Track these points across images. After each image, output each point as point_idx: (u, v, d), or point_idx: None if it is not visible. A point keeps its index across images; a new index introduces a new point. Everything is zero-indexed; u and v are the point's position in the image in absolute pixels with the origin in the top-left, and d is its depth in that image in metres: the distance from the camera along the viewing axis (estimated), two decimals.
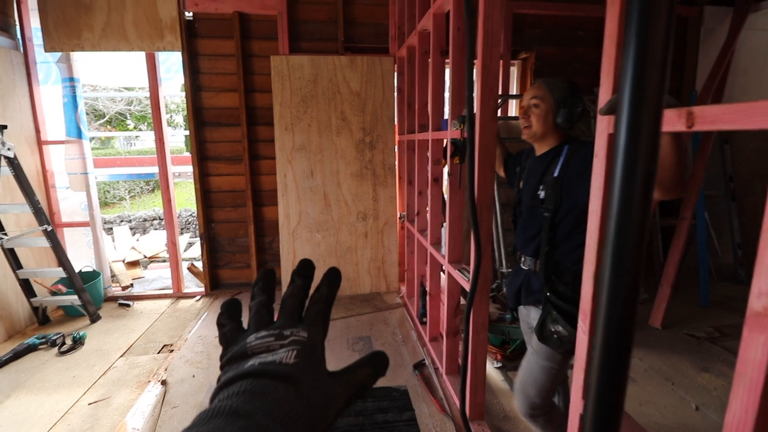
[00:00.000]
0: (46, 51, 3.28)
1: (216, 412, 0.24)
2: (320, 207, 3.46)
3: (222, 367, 0.30)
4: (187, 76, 3.40)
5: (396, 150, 3.51)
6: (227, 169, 3.59)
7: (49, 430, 2.04)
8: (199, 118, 3.50)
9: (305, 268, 0.36)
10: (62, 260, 3.03)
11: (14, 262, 2.99)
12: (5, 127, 2.69)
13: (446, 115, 2.39)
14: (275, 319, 0.34)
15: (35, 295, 3.15)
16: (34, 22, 3.32)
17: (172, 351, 2.76)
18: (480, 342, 1.85)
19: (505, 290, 1.72)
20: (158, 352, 2.76)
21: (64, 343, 2.82)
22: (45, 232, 2.94)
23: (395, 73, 3.44)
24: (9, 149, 2.72)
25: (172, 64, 5.83)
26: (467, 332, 1.04)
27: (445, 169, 2.33)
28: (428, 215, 2.46)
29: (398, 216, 3.57)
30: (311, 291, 0.36)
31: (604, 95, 0.90)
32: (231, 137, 3.54)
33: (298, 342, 0.31)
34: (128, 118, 13.05)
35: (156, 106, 3.50)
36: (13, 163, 2.78)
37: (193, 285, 3.87)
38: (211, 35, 3.40)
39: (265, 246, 3.73)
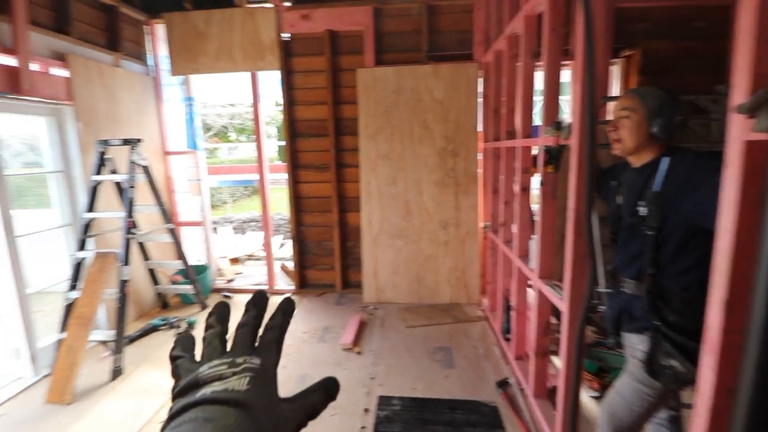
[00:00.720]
0: (172, 75, 3.85)
1: None
2: (402, 214, 3.52)
3: (174, 399, 0.29)
4: (284, 92, 3.72)
5: (480, 158, 3.43)
6: (315, 176, 3.84)
7: (168, 400, 2.36)
8: (292, 129, 3.80)
9: (259, 298, 0.37)
10: (180, 254, 3.50)
11: (144, 254, 3.54)
12: (141, 140, 3.20)
13: (536, 122, 2.27)
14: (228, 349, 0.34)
15: (158, 283, 3.69)
16: (161, 51, 3.91)
17: None
18: (579, 365, 1.70)
19: (603, 312, 1.57)
20: None
21: (179, 326, 3.25)
22: (168, 229, 3.43)
23: (480, 80, 3.37)
24: (144, 159, 3.23)
25: (267, 82, 6.38)
26: (579, 360, 0.97)
27: (535, 178, 2.21)
28: (515, 226, 2.36)
29: (481, 226, 3.48)
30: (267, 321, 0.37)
31: (739, 94, 0.78)
32: (320, 147, 3.78)
33: (251, 369, 0.30)
34: (230, 130, 14.66)
35: (257, 120, 3.87)
36: (147, 171, 3.29)
37: (283, 282, 4.19)
38: (304, 53, 3.68)
39: (348, 250, 3.90)
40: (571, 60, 3.26)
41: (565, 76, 3.67)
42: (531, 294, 2.58)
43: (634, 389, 1.33)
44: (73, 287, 2.84)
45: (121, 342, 2.70)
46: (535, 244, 2.04)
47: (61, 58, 2.88)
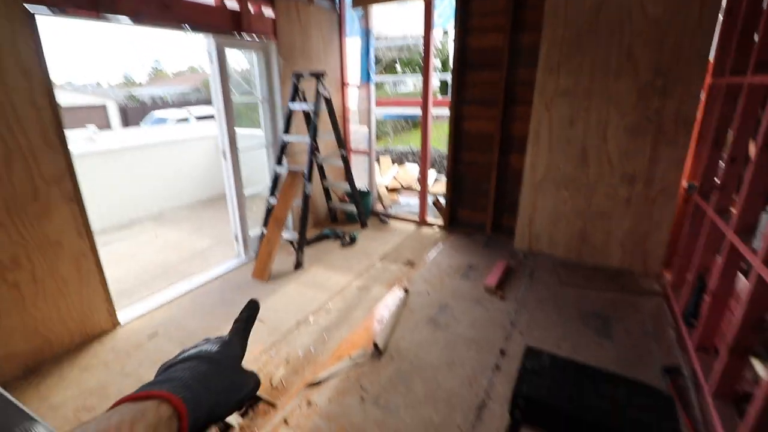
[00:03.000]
0: (353, 7, 4.02)
1: (165, 378, 0.41)
2: (575, 162, 3.08)
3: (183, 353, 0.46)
4: (457, 17, 3.48)
5: (702, 98, 2.63)
6: (480, 112, 3.64)
7: (334, 295, 2.85)
8: (463, 60, 3.60)
9: (251, 305, 0.55)
10: (349, 178, 3.93)
11: (322, 174, 4.11)
12: (325, 73, 3.54)
13: None
14: None
15: (331, 200, 4.29)
16: None
17: (413, 267, 3.26)
18: None
19: None
20: (404, 265, 3.32)
21: (345, 239, 3.77)
22: (341, 155, 3.85)
23: None
24: (327, 91, 3.59)
25: (443, 10, 6.04)
26: None
27: None
28: (742, 192, 1.79)
29: (685, 185, 2.78)
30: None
31: None
32: (489, 80, 3.51)
33: (219, 340, 0.49)
34: (398, 63, 14.96)
35: (427, 50, 3.78)
36: (328, 102, 3.67)
37: (433, 216, 4.34)
38: None
39: (506, 194, 3.71)
40: None
41: None
42: (742, 280, 2.03)
43: None
44: (272, 194, 3.54)
45: (302, 243, 3.31)
46: None
47: (269, 0, 3.30)
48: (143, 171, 4.85)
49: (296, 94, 3.51)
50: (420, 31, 3.77)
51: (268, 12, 3.32)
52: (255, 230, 3.61)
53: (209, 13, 2.83)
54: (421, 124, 4.04)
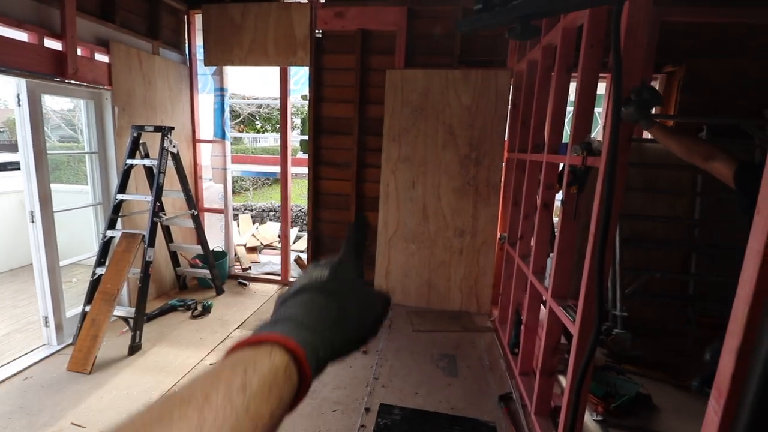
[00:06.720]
0: (206, 65, 3.95)
1: (278, 318, 0.36)
2: (418, 219, 3.52)
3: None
4: (311, 88, 3.76)
5: (503, 168, 3.39)
6: (336, 174, 3.88)
7: (180, 379, 2.46)
8: (318, 126, 3.84)
9: (359, 222, 0.51)
10: (202, 240, 3.61)
11: (168, 237, 3.67)
12: (173, 128, 3.31)
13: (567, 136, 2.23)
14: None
15: (179, 266, 3.82)
16: (197, 41, 4.01)
17: None
18: (581, 389, 1.69)
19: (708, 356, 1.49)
20: None
21: (196, 309, 3.36)
22: (192, 215, 3.54)
23: (511, 88, 3.32)
24: (174, 146, 3.33)
25: (299, 78, 6.43)
26: (580, 383, 0.97)
27: (558, 196, 2.17)
28: (533, 241, 2.33)
29: (498, 237, 3.44)
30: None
31: None
32: (343, 145, 3.81)
33: (329, 263, 0.42)
34: (257, 119, 14.91)
35: (284, 114, 3.93)
36: (176, 158, 3.40)
37: (297, 275, 4.26)
38: (335, 51, 3.71)
39: (364, 250, 3.92)
40: (609, 73, 3.19)
41: (602, 88, 3.57)
42: (543, 311, 2.56)
43: None
44: (100, 263, 2.98)
45: (140, 320, 2.82)
46: (551, 262, 2.02)
47: (104, 44, 3.01)
48: None
49: (136, 149, 3.15)
50: (278, 93, 3.91)
51: (102, 57, 2.99)
52: (76, 308, 2.93)
53: (21, 52, 2.38)
54: (281, 184, 4.06)
